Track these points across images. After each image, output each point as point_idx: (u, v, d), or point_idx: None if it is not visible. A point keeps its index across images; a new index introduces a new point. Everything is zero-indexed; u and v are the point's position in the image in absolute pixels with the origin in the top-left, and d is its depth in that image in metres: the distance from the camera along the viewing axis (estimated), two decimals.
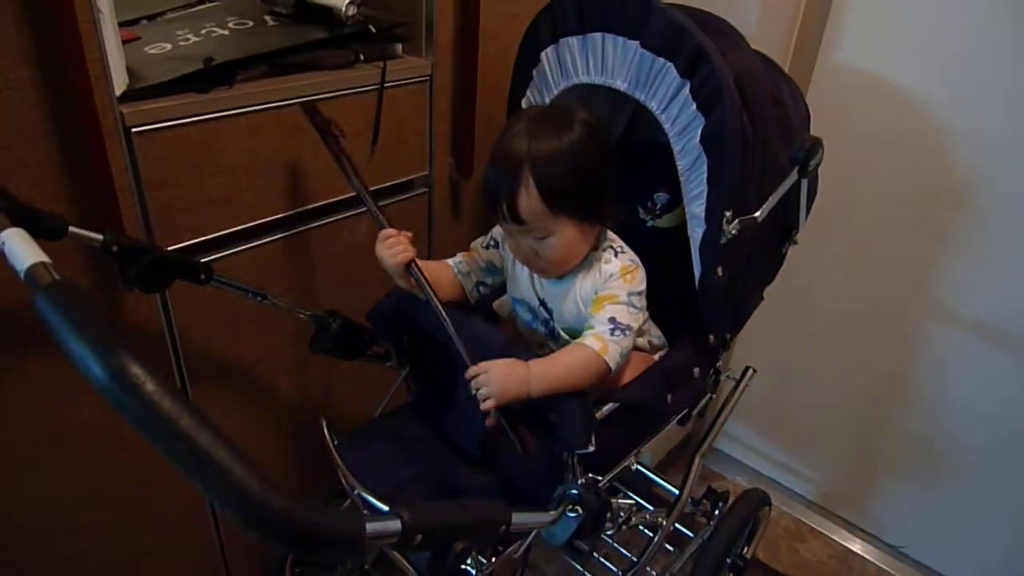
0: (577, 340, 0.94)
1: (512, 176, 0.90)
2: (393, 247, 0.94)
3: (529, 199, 0.90)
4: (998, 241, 1.36)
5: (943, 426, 1.56)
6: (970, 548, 1.63)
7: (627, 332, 0.93)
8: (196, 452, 0.40)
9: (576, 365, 0.90)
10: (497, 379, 0.86)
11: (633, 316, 0.95)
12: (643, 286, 0.98)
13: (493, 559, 0.91)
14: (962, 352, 1.48)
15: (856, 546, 1.77)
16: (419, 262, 0.97)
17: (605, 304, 0.94)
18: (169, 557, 1.18)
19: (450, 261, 1.08)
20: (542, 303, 1.04)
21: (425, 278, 0.94)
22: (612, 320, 0.93)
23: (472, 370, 0.88)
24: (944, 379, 1.52)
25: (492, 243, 1.08)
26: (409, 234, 0.96)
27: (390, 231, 0.96)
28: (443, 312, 0.92)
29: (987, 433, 1.50)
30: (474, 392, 0.87)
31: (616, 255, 0.99)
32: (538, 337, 1.08)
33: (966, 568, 1.65)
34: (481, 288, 1.09)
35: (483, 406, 0.86)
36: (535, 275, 1.03)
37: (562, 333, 1.04)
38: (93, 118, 0.82)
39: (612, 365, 0.91)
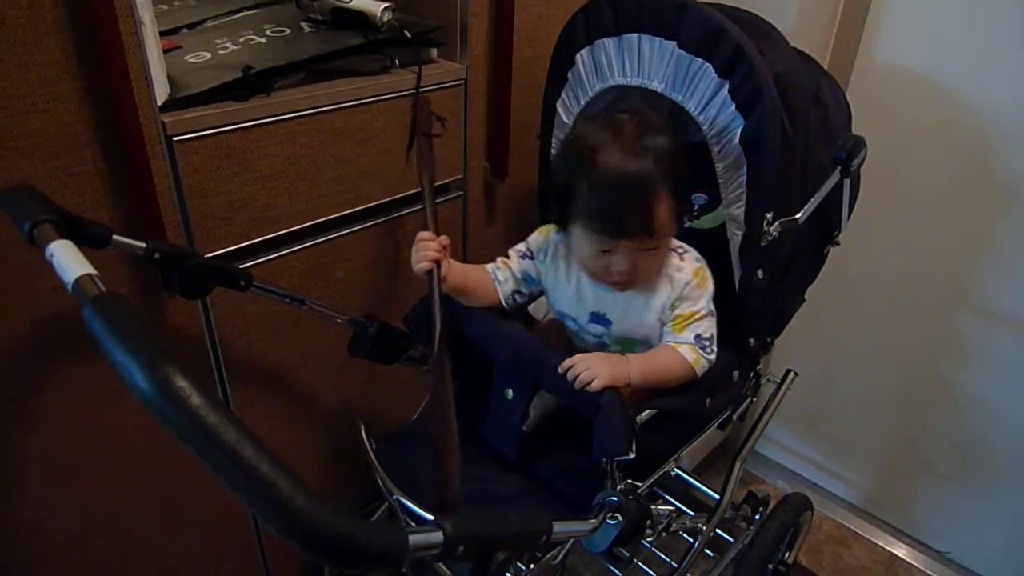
0: (672, 345, 0.95)
1: (646, 191, 0.87)
2: (419, 251, 0.94)
3: (662, 211, 0.88)
4: None
5: (990, 430, 1.51)
6: (1019, 555, 1.58)
7: (714, 344, 0.96)
8: (240, 465, 0.40)
9: (671, 369, 0.94)
10: (598, 363, 0.88)
11: (713, 324, 0.96)
12: (712, 283, 0.98)
13: (531, 565, 0.90)
14: (1011, 355, 1.43)
15: (901, 551, 1.72)
16: (456, 265, 0.97)
17: (688, 324, 0.95)
18: (209, 559, 1.20)
19: (488, 266, 1.06)
20: (597, 316, 1.01)
21: (439, 293, 0.92)
22: (699, 337, 0.95)
23: (568, 362, 0.89)
24: (992, 382, 1.48)
25: (528, 254, 1.06)
26: (445, 240, 0.96)
27: (424, 234, 0.95)
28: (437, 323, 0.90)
29: None
30: (572, 378, 0.88)
31: (682, 257, 0.98)
32: (586, 346, 1.06)
33: (1015, 574, 1.61)
34: (517, 296, 1.07)
35: (591, 386, 0.87)
36: (593, 288, 1.00)
37: (612, 344, 1.02)
38: (136, 127, 0.83)
39: (699, 376, 0.95)
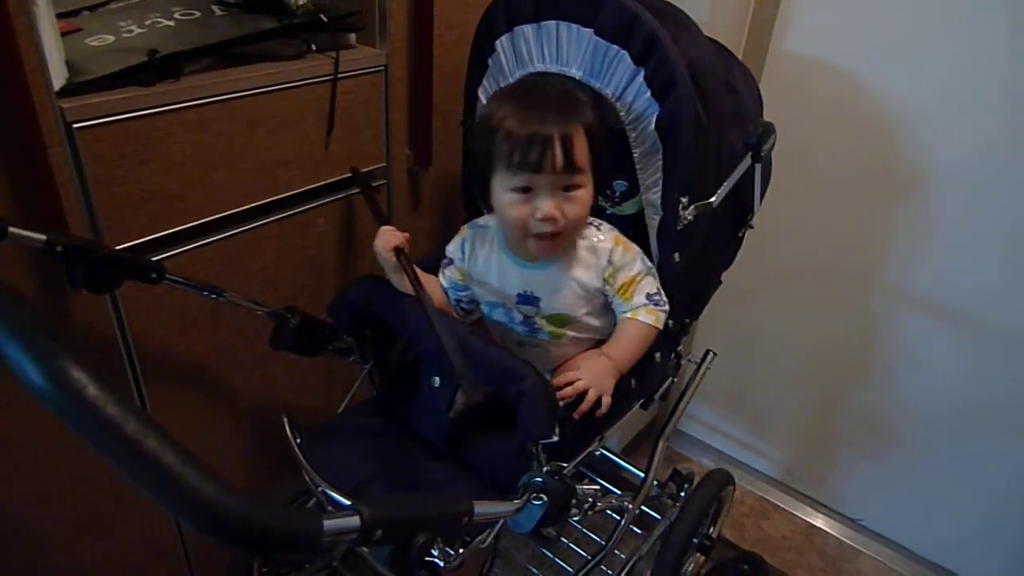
0: (629, 316, 1.00)
1: (565, 120, 0.89)
2: (382, 236, 0.98)
3: (580, 143, 0.90)
4: (943, 220, 1.40)
5: (896, 401, 1.60)
6: (924, 518, 1.68)
7: (663, 295, 1.01)
8: (143, 457, 0.39)
9: (644, 340, 1.00)
10: (595, 380, 0.94)
11: (655, 278, 1.02)
12: (636, 245, 1.02)
13: (461, 550, 0.90)
14: (915, 333, 1.52)
15: (818, 521, 1.81)
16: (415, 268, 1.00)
17: (633, 289, 1.00)
18: (131, 563, 1.15)
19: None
20: (525, 297, 1.01)
21: (413, 268, 0.95)
22: (649, 296, 1.00)
23: (563, 378, 0.94)
24: (897, 356, 1.57)
25: (448, 261, 1.07)
26: (406, 234, 0.99)
27: (388, 227, 1.00)
28: (428, 301, 0.91)
29: (937, 407, 1.55)
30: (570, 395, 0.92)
31: (599, 229, 1.00)
32: (515, 336, 1.06)
33: (920, 537, 1.71)
34: (463, 305, 1.09)
35: (601, 410, 0.93)
36: (517, 268, 1.01)
37: (544, 325, 1.02)
38: (30, 114, 0.78)
39: (661, 327, 1.02)
